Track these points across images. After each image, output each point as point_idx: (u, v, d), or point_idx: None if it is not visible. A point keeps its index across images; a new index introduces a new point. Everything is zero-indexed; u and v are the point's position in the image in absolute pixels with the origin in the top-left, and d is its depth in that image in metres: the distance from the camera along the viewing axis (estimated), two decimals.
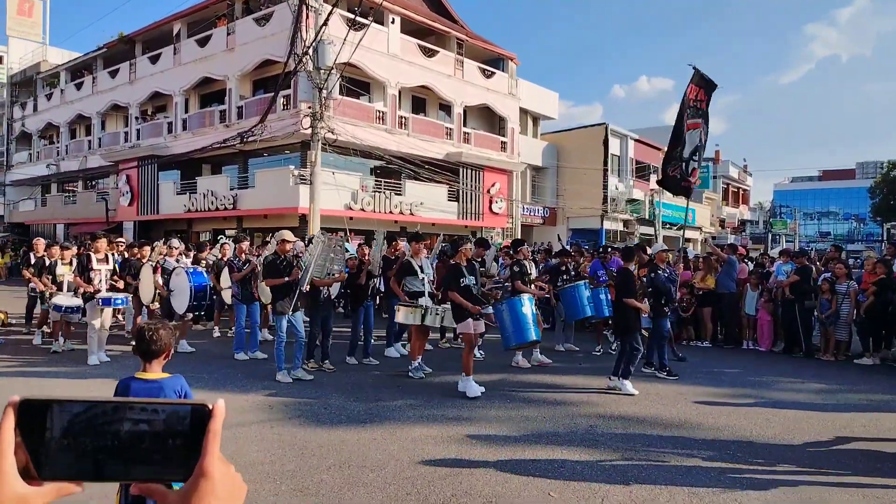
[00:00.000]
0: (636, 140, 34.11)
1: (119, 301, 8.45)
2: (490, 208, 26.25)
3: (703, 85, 8.42)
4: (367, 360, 8.60)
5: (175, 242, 10.40)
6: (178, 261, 9.83)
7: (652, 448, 5.20)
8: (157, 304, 9.67)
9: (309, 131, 16.07)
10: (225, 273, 9.75)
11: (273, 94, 17.53)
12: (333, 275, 7.95)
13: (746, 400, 7.02)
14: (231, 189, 22.53)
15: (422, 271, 8.17)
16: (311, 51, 15.33)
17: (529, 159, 30.28)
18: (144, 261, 9.76)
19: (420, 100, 25.85)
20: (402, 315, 7.73)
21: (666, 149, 8.42)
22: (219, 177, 23.87)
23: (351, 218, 19.50)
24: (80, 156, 30.72)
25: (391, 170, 22.73)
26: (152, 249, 10.41)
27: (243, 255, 9.34)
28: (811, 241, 72.84)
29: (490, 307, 7.69)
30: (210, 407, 0.63)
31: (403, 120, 23.58)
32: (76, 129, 32.88)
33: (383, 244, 9.42)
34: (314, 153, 15.85)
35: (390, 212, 22.10)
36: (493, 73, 27.27)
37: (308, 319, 8.10)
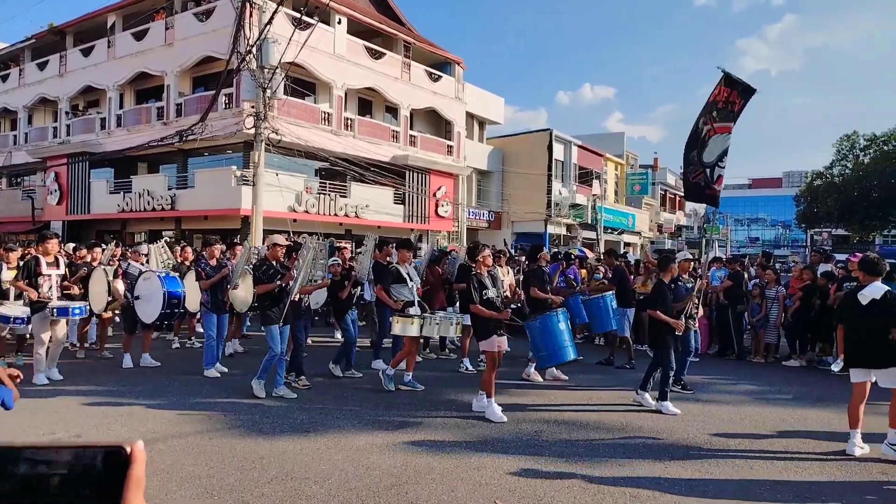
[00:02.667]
0: (580, 146, 34.79)
1: (77, 310, 7.52)
2: (436, 212, 26.30)
3: (737, 88, 8.12)
4: (349, 372, 8.09)
5: (143, 248, 9.47)
6: (142, 265, 8.93)
7: (594, 451, 5.27)
8: (110, 313, 9.03)
9: (252, 131, 15.69)
10: (192, 278, 8.89)
11: (214, 91, 17.04)
12: (316, 281, 7.48)
13: (685, 402, 7.23)
14: (169, 189, 21.79)
15: (410, 279, 7.73)
16: (254, 49, 14.97)
17: (475, 163, 30.48)
18: (96, 264, 8.82)
19: (366, 102, 25.66)
20: (400, 326, 7.26)
21: (684, 154, 8.03)
22: (156, 176, 23.02)
23: (295, 220, 19.16)
24: (5, 151, 29.05)
25: (336, 172, 22.45)
26: (103, 252, 9.44)
27: (214, 260, 8.44)
28: (741, 245, 76.15)
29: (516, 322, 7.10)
30: (128, 450, 0.54)
31: (349, 122, 23.34)
32: (0, 123, 31.10)
33: (373, 250, 8.83)
34: (257, 154, 15.48)
35: (335, 214, 21.84)
36: (439, 77, 27.34)
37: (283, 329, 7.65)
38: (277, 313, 6.82)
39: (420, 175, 25.50)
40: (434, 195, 26.13)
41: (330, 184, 22.41)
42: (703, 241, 58.76)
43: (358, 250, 10.18)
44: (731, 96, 8.05)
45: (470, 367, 8.75)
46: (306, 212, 20.69)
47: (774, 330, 10.49)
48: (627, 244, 39.47)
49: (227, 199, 19.62)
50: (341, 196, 22.33)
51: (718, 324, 11.07)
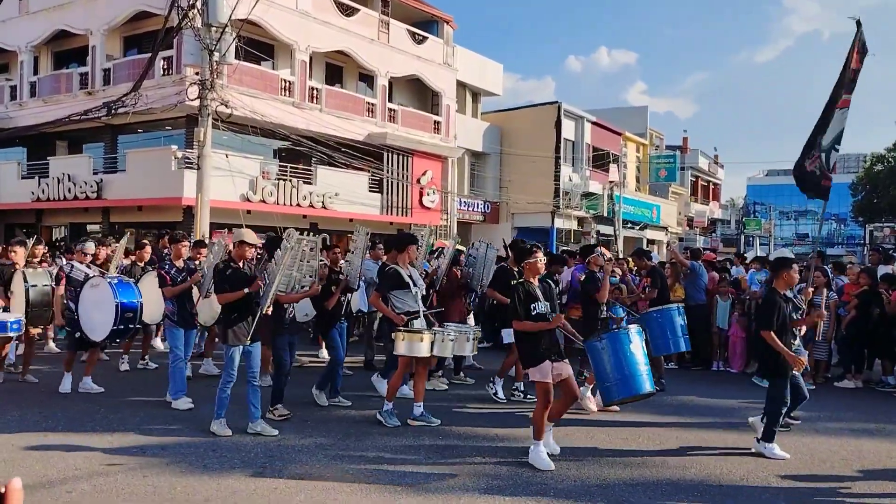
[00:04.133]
0: (594, 123, 34.94)
1: (14, 325, 7.26)
2: (420, 201, 26.32)
3: (859, 47, 7.68)
4: (337, 399, 7.92)
5: (90, 246, 9.18)
6: (89, 267, 8.73)
7: (624, 495, 5.32)
8: (39, 329, 8.85)
9: (196, 103, 15.62)
10: (149, 283, 8.62)
11: (150, 54, 16.96)
12: (304, 287, 7.15)
13: (715, 429, 7.28)
14: (95, 173, 21.71)
15: (413, 284, 7.35)
16: (199, 2, 14.91)
17: (468, 143, 30.52)
18: (18, 267, 8.53)
19: (336, 68, 25.63)
20: (406, 345, 6.81)
21: (810, 136, 7.78)
22: (79, 157, 22.86)
23: (249, 211, 19.13)
24: None
25: (300, 153, 22.41)
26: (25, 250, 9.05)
27: (181, 262, 8.08)
28: (788, 243, 76.75)
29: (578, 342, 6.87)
30: (1, 490, 0.55)
31: (315, 92, 23.31)
32: None
33: (365, 248, 8.65)
34: (203, 130, 15.42)
35: (298, 204, 21.82)
36: (424, 39, 27.35)
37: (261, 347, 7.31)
38: (245, 329, 6.54)
39: (401, 157, 25.49)
40: (418, 181, 26.13)
41: (292, 168, 22.37)
42: (742, 237, 59.32)
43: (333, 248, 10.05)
44: (855, 61, 7.72)
45: (501, 395, 8.49)
46: (263, 201, 20.65)
47: (825, 345, 10.59)
48: (651, 241, 39.68)
49: (165, 186, 19.53)
50: (305, 182, 22.30)
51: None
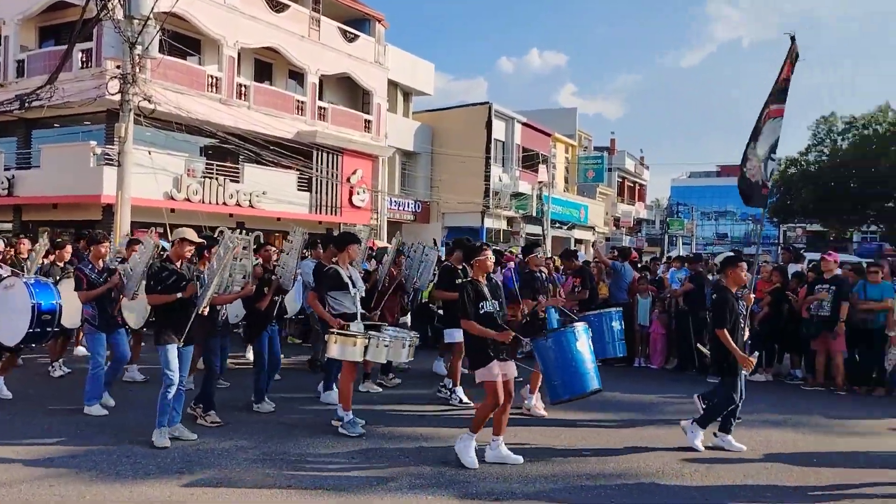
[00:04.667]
0: (524, 124, 35.36)
1: None
2: (350, 200, 26.19)
3: (792, 57, 7.83)
4: (259, 405, 7.65)
5: None
6: (1, 267, 8.25)
7: (526, 489, 5.38)
8: None
9: (117, 97, 15.11)
10: (69, 285, 8.07)
11: (67, 46, 16.32)
12: (238, 288, 6.91)
13: (634, 425, 7.47)
14: (6, 169, 20.87)
15: (353, 285, 7.08)
16: None
17: (399, 142, 30.47)
18: None
19: (265, 65, 25.21)
20: (338, 348, 6.61)
21: (746, 147, 7.86)
22: None
23: (173, 210, 18.61)
24: None
25: (226, 151, 21.96)
26: None
27: (101, 262, 7.62)
28: (708, 243, 79.40)
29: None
30: None
31: (243, 89, 22.87)
32: None
33: (301, 248, 8.39)
34: (124, 126, 14.90)
35: (224, 203, 21.37)
36: (356, 37, 27.18)
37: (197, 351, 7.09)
38: (178, 330, 6.29)
39: (331, 156, 25.27)
40: (348, 180, 25.97)
41: (218, 165, 21.89)
42: (666, 237, 61.08)
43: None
44: (789, 71, 7.86)
45: (465, 399, 8.29)
46: (187, 199, 20.13)
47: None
48: (579, 241, 40.42)
49: (83, 183, 18.82)
50: (232, 181, 21.86)
51: (678, 333, 11.48)
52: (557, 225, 36.52)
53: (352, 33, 27.02)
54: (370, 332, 6.78)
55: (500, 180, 33.04)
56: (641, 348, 12.02)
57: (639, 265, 13.35)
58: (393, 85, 30.37)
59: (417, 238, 13.68)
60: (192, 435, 6.42)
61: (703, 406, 6.93)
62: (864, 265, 11.30)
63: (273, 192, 22.82)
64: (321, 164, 24.89)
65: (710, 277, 11.84)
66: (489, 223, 32.38)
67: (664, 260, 14.90)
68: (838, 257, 10.92)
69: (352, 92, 28.45)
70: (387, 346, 6.78)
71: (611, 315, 8.49)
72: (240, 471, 5.60)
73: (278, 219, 22.92)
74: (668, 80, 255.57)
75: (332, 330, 6.73)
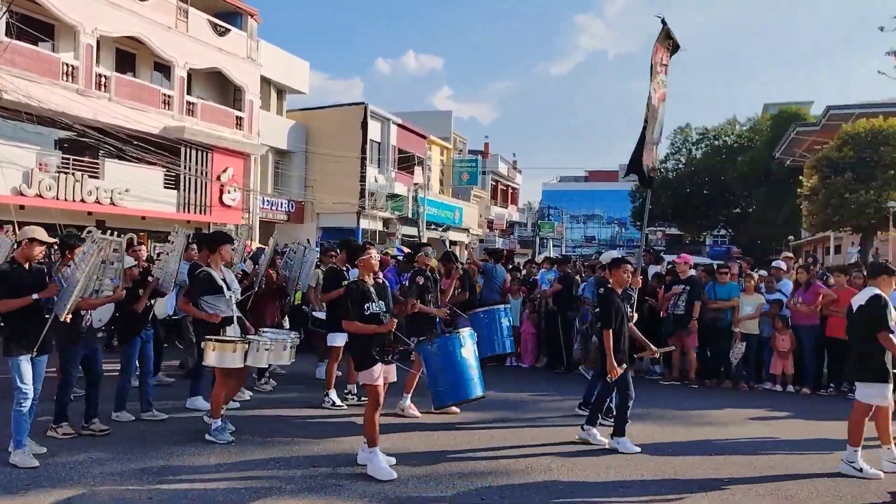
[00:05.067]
0: (399, 125, 35.47)
1: None
2: (220, 199, 25.43)
3: (667, 45, 7.97)
4: (149, 414, 7.20)
5: None
6: None
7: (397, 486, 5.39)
8: None
9: None
10: None
11: None
12: (104, 292, 6.39)
13: (506, 424, 7.65)
14: None
15: (227, 288, 6.76)
16: None
17: (272, 141, 29.84)
18: None
19: (128, 55, 23.92)
20: (216, 355, 6.31)
21: (643, 131, 7.83)
22: None
23: (22, 207, 17.30)
24: None
25: (85, 144, 20.66)
26: None
27: None
28: (577, 245, 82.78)
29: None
30: None
31: (103, 79, 21.59)
32: None
33: (183, 248, 7.91)
34: None
35: (82, 200, 20.10)
36: (227, 31, 26.33)
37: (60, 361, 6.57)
38: (31, 339, 5.76)
39: (200, 153, 24.37)
40: (218, 178, 25.16)
41: (76, 160, 20.57)
42: (537, 239, 63.06)
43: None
44: (664, 57, 8.06)
45: (338, 402, 8.16)
46: (40, 196, 18.77)
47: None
48: (453, 242, 40.96)
49: None
50: (91, 176, 20.63)
51: (547, 332, 11.88)
52: (433, 226, 36.86)
53: (222, 27, 26.14)
54: (249, 337, 6.57)
55: (376, 181, 33.00)
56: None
57: (510, 266, 13.70)
58: (266, 82, 29.71)
59: (291, 238, 13.42)
60: (41, 448, 5.95)
61: (587, 412, 7.17)
62: (715, 266, 12.13)
63: (137, 189, 21.70)
64: (190, 161, 23.94)
65: (577, 278, 12.35)
66: (365, 224, 32.26)
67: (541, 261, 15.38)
68: (691, 259, 11.62)
69: (223, 88, 27.54)
70: (268, 349, 6.59)
71: (500, 312, 8.57)
72: (94, 484, 5.24)
73: (143, 217, 21.82)
74: (539, 87, 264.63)
75: (208, 337, 6.43)
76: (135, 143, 20.65)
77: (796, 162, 40.68)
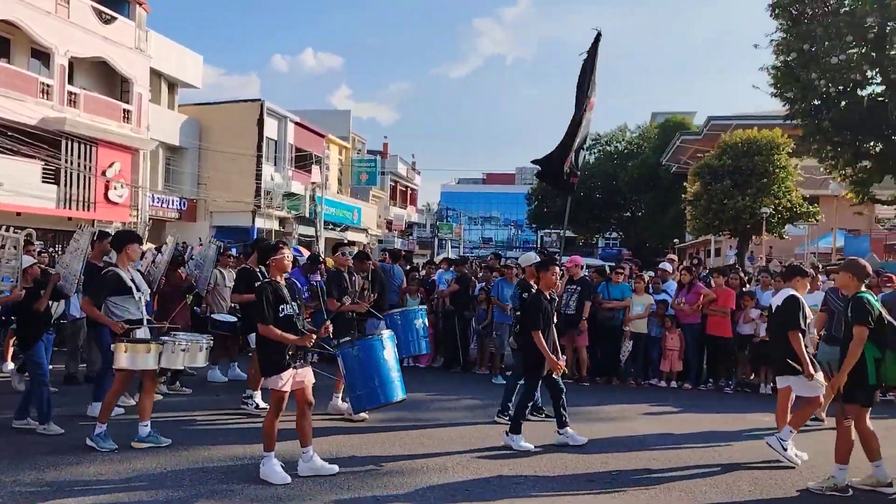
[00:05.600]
0: (297, 123, 35.01)
1: None
2: (106, 195, 24.22)
3: (595, 55, 8.15)
4: (45, 427, 6.63)
5: None
6: None
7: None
8: None
9: None
10: None
11: None
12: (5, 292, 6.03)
13: (402, 424, 7.63)
14: None
15: (136, 288, 6.54)
16: None
17: (163, 136, 28.71)
18: None
19: (2, 40, 22.37)
20: (129, 357, 6.05)
21: (565, 137, 7.85)
22: None
23: None
24: None
25: None
26: None
27: None
28: (475, 246, 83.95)
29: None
30: None
31: None
32: None
33: (88, 248, 7.50)
34: None
35: None
36: (113, 19, 25.08)
37: None
38: None
39: (83, 146, 23.11)
40: (104, 174, 23.92)
41: None
42: (436, 240, 63.50)
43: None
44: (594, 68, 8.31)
45: (263, 404, 7.87)
46: None
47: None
48: (352, 242, 40.51)
49: None
50: None
51: (444, 333, 11.97)
52: (331, 226, 36.50)
53: (108, 14, 24.86)
54: (163, 338, 6.34)
55: (273, 180, 32.41)
56: None
57: (408, 267, 13.72)
58: (156, 74, 28.56)
59: (182, 237, 12.93)
60: None
61: (506, 417, 7.32)
62: (607, 268, 12.58)
63: (12, 183, 20.30)
64: (72, 154, 22.66)
65: (474, 279, 12.51)
66: (260, 223, 31.60)
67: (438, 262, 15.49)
68: (582, 261, 12.00)
69: (108, 79, 26.19)
70: (183, 350, 6.33)
71: (414, 313, 8.47)
72: None
73: (18, 214, 20.43)
74: (439, 90, 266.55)
75: (120, 338, 6.18)
76: (9, 134, 19.39)
77: (681, 168, 42.84)
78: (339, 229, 38.36)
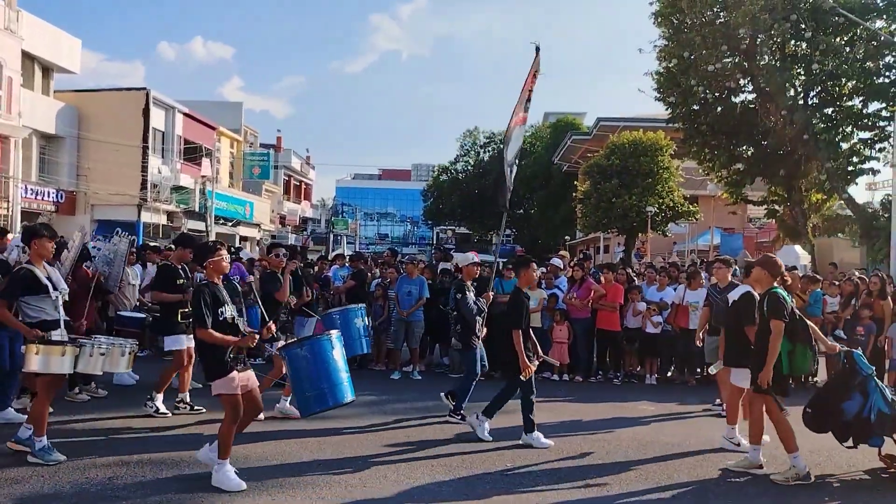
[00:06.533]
0: (186, 114, 33.95)
1: None
2: None
3: (536, 68, 8.13)
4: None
5: None
6: None
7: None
8: None
9: None
10: None
11: None
12: None
13: (284, 427, 7.42)
14: None
15: (54, 287, 6.15)
16: None
17: (36, 123, 27.03)
18: None
19: None
20: (41, 360, 5.58)
21: (500, 151, 7.82)
22: None
23: None
24: None
25: None
26: None
27: None
28: (371, 242, 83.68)
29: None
30: None
31: None
32: None
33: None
34: None
35: None
36: None
37: None
38: None
39: None
40: None
41: None
42: (331, 236, 62.84)
43: None
44: (532, 82, 8.27)
45: (163, 409, 7.52)
46: None
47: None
48: (244, 238, 39.68)
49: None
50: None
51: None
52: (222, 221, 35.54)
53: None
54: (81, 340, 5.91)
55: (160, 172, 31.18)
56: None
57: (302, 263, 13.49)
58: (29, 58, 26.83)
59: (65, 230, 12.19)
60: None
61: (452, 404, 7.51)
62: (500, 264, 12.81)
63: None
64: None
65: (370, 275, 12.46)
66: (147, 217, 30.30)
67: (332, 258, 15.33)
68: (476, 257, 12.18)
69: None
70: (102, 354, 5.87)
71: (354, 311, 8.20)
72: None
73: None
74: (334, 84, 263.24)
75: (31, 339, 5.70)
76: None
77: (572, 168, 44.28)
78: (230, 224, 37.34)
